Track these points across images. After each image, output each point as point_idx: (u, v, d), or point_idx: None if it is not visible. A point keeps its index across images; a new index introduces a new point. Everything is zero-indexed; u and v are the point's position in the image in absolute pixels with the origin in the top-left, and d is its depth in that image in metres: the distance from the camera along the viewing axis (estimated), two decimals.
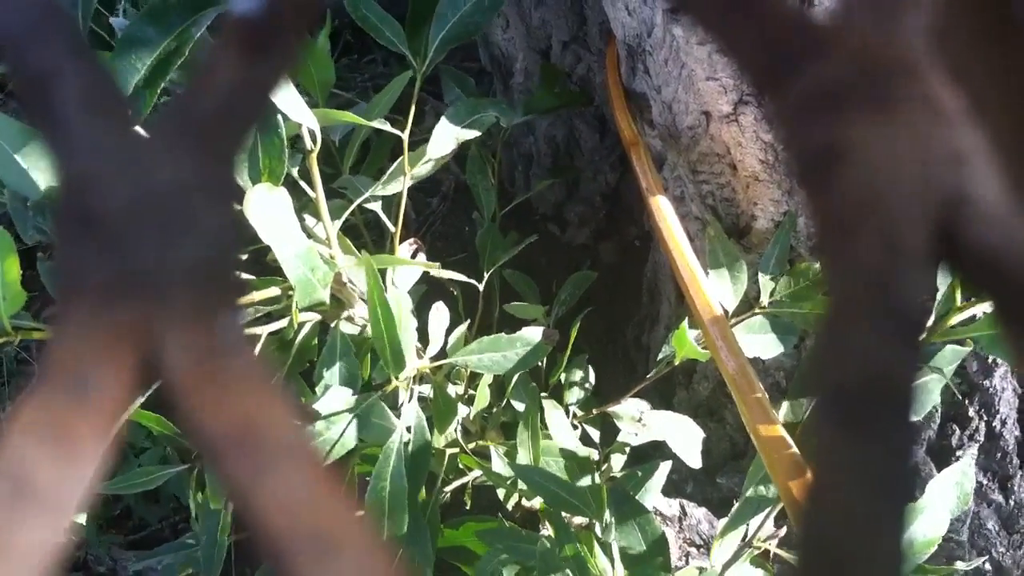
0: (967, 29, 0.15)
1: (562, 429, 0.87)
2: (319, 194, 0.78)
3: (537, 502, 0.99)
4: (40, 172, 0.63)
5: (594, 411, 0.99)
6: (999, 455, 0.93)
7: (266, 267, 0.87)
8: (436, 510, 0.84)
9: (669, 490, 1.06)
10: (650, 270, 1.21)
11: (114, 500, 1.28)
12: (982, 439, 0.93)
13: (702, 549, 0.98)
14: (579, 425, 1.00)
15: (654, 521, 0.77)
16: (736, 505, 0.76)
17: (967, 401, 0.91)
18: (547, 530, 0.95)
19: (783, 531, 0.80)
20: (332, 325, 0.82)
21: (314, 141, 0.73)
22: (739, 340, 0.75)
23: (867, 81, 0.14)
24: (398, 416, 0.78)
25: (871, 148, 0.14)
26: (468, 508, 0.98)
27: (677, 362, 0.82)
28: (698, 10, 0.15)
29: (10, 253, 0.58)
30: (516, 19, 1.16)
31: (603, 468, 0.99)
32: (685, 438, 0.91)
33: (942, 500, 0.71)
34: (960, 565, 0.78)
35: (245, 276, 0.82)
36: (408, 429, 0.78)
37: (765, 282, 0.79)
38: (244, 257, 0.89)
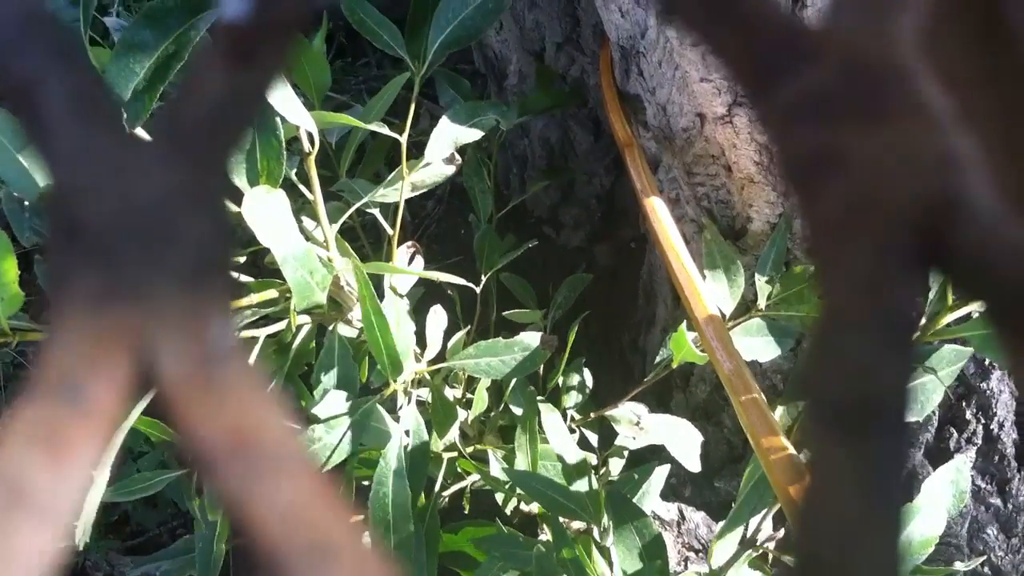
0: (957, 32, 0.15)
1: (559, 433, 0.87)
2: (317, 196, 0.78)
3: (535, 506, 0.99)
4: (39, 173, 0.63)
5: (592, 415, 0.99)
6: (997, 458, 0.93)
7: (264, 269, 0.87)
8: (436, 516, 0.84)
9: (667, 494, 1.06)
10: (646, 272, 1.21)
11: (112, 505, 1.28)
12: (980, 442, 0.93)
13: (700, 553, 0.98)
14: (577, 429, 1.00)
15: (652, 525, 0.76)
16: (734, 507, 0.76)
17: (964, 404, 0.91)
18: (546, 535, 0.95)
19: (781, 533, 0.80)
20: (330, 328, 0.82)
21: (312, 143, 0.73)
22: (736, 343, 0.75)
23: (857, 86, 0.14)
24: (396, 420, 0.78)
25: (861, 153, 0.14)
26: (466, 513, 0.98)
27: (674, 365, 0.82)
28: (687, 15, 0.15)
29: (8, 255, 0.58)
30: (510, 21, 1.16)
31: (601, 472, 0.99)
32: (684, 442, 0.91)
33: (938, 499, 0.71)
34: (959, 565, 0.78)
35: (243, 278, 0.82)
36: (407, 433, 0.78)
37: (761, 285, 0.79)
38: (242, 259, 0.89)
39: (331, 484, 0.13)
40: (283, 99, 0.66)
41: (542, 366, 0.86)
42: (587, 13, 1.07)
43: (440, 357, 0.86)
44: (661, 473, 0.88)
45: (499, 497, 0.97)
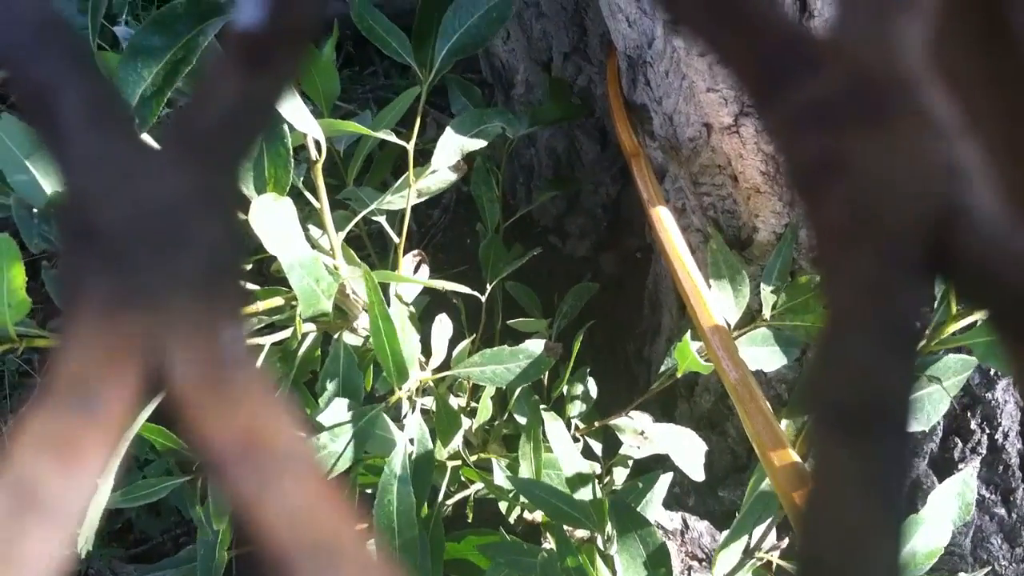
0: (963, 40, 0.15)
1: (563, 442, 0.87)
2: (323, 204, 0.78)
3: (539, 515, 0.99)
4: (48, 179, 0.63)
5: (596, 424, 0.99)
6: (1001, 468, 0.93)
7: (270, 277, 0.87)
8: (440, 524, 0.84)
9: (671, 503, 1.06)
10: (651, 282, 1.21)
11: (116, 513, 1.28)
12: (984, 452, 0.92)
13: (704, 562, 0.98)
14: (581, 438, 1.00)
15: (656, 534, 0.76)
16: (738, 517, 0.76)
17: (969, 414, 0.91)
18: (549, 543, 0.95)
19: (785, 542, 0.80)
20: (335, 336, 0.82)
21: (319, 152, 0.73)
22: (741, 352, 0.75)
23: (862, 94, 0.14)
24: (401, 428, 0.78)
25: (866, 161, 0.14)
26: (470, 521, 0.98)
27: (679, 375, 0.82)
28: (694, 24, 0.15)
29: (15, 261, 0.58)
30: (517, 31, 1.17)
31: (605, 481, 0.99)
32: (688, 451, 0.91)
33: (944, 511, 0.71)
34: (962, 575, 0.78)
35: (249, 286, 0.82)
36: (411, 441, 0.78)
37: (767, 294, 0.79)
38: (248, 267, 0.89)
39: (339, 488, 0.13)
40: (291, 107, 0.67)
41: (547, 375, 0.86)
42: (594, 23, 1.07)
43: (445, 365, 0.86)
44: (664, 482, 0.88)
45: (503, 506, 0.97)
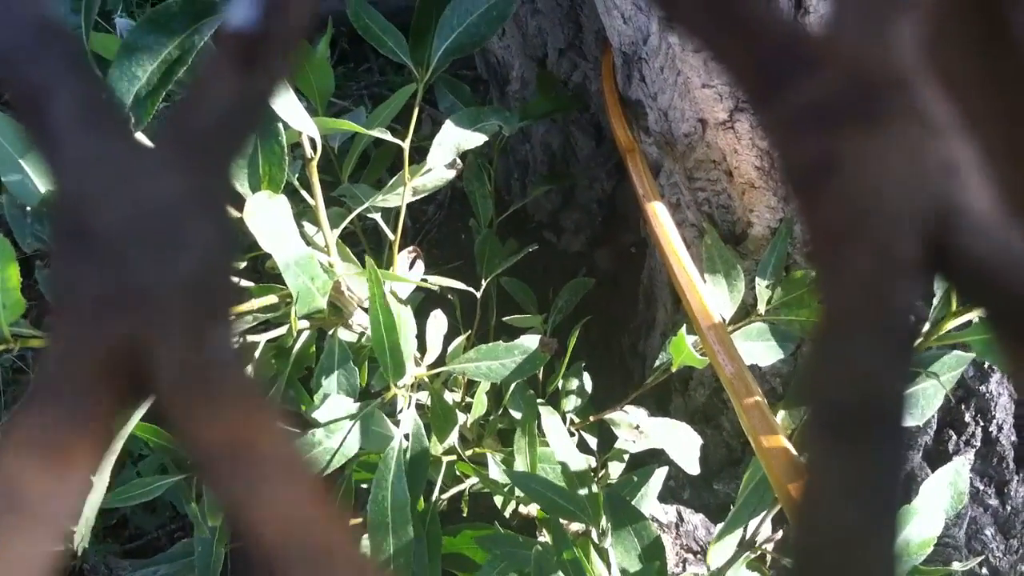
0: (959, 37, 0.15)
1: (559, 436, 0.87)
2: (319, 202, 0.78)
3: (534, 509, 0.99)
4: (41, 178, 0.63)
5: (591, 418, 0.99)
6: (995, 460, 0.93)
7: (265, 274, 0.87)
8: (436, 519, 0.84)
9: (666, 496, 1.06)
10: (646, 277, 1.21)
11: (111, 509, 1.28)
12: (979, 444, 0.93)
13: (699, 555, 0.98)
14: (576, 432, 1.00)
15: (651, 527, 0.77)
16: (733, 509, 0.76)
17: (964, 407, 0.91)
18: (544, 537, 0.95)
19: (780, 535, 0.80)
20: (330, 333, 0.82)
21: (314, 149, 0.73)
22: (736, 347, 0.75)
23: (858, 94, 0.14)
24: (396, 424, 0.78)
25: (862, 160, 0.14)
26: (465, 515, 0.98)
27: (674, 369, 0.82)
28: (689, 23, 0.15)
29: (10, 261, 0.58)
30: (512, 27, 1.16)
31: (600, 475, 0.99)
32: (683, 445, 0.91)
33: (936, 500, 0.71)
34: (956, 566, 0.78)
35: (244, 283, 0.82)
36: (406, 437, 0.78)
37: (762, 289, 0.79)
38: (243, 264, 0.89)
39: (329, 489, 0.13)
40: (286, 105, 0.66)
41: (542, 370, 0.86)
42: (589, 19, 1.07)
43: (440, 361, 0.86)
44: (659, 476, 0.88)
45: (498, 500, 0.97)
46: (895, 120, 0.14)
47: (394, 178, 0.87)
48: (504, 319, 1.07)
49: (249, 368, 0.14)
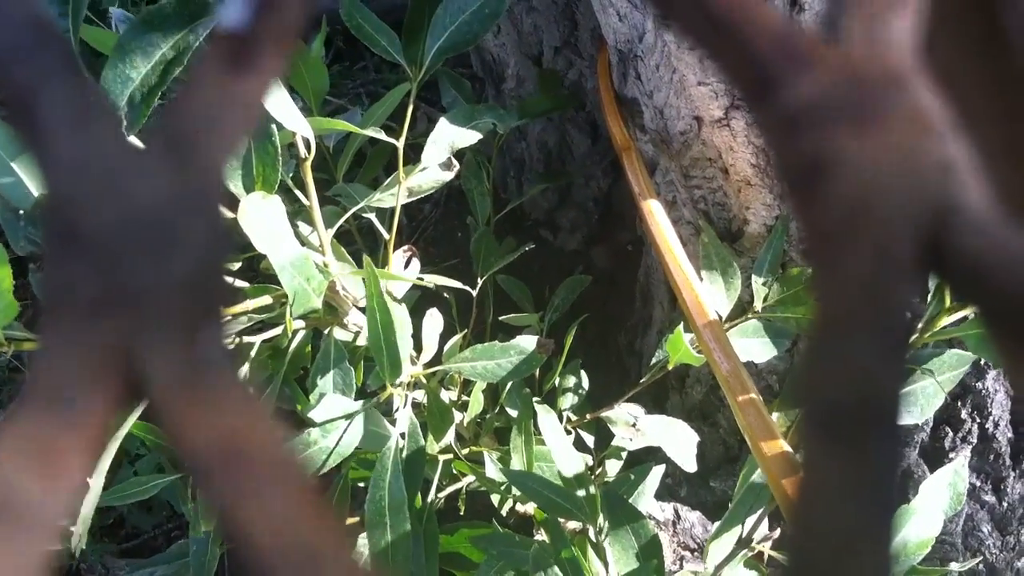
0: (956, 39, 0.15)
1: (555, 434, 0.87)
2: (313, 202, 0.78)
3: (531, 507, 0.99)
4: (34, 180, 0.63)
5: (588, 416, 0.99)
6: (992, 457, 0.93)
7: (260, 274, 0.87)
8: (433, 517, 0.84)
9: (663, 494, 1.06)
10: (643, 275, 1.21)
11: (107, 508, 1.28)
12: (975, 441, 0.93)
13: (696, 553, 0.98)
14: (573, 430, 1.00)
15: (648, 525, 0.77)
16: (730, 507, 0.76)
17: (960, 403, 0.91)
18: (541, 535, 0.95)
19: (777, 533, 0.80)
20: (326, 332, 0.82)
21: (308, 149, 0.73)
22: (733, 344, 0.75)
23: (854, 92, 0.14)
24: (392, 423, 0.78)
25: (858, 160, 0.14)
26: (462, 514, 0.98)
27: (671, 367, 0.82)
28: (685, 22, 0.15)
29: (3, 264, 0.57)
30: (508, 25, 1.16)
31: (597, 473, 0.99)
32: (680, 442, 0.91)
33: (935, 501, 0.71)
34: (954, 566, 0.78)
35: (239, 284, 0.81)
36: (403, 436, 0.78)
37: (758, 286, 0.79)
38: (238, 265, 0.89)
39: (322, 492, 0.13)
40: (279, 104, 0.66)
41: (538, 368, 0.86)
42: (585, 17, 1.07)
43: (436, 360, 0.86)
44: (656, 473, 0.88)
45: (495, 498, 0.97)
46: (891, 119, 0.14)
47: (389, 177, 0.86)
48: (501, 318, 1.07)
49: (242, 369, 0.14)
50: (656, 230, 0.83)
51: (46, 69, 0.15)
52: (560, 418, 0.97)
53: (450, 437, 0.88)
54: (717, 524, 0.77)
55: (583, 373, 1.04)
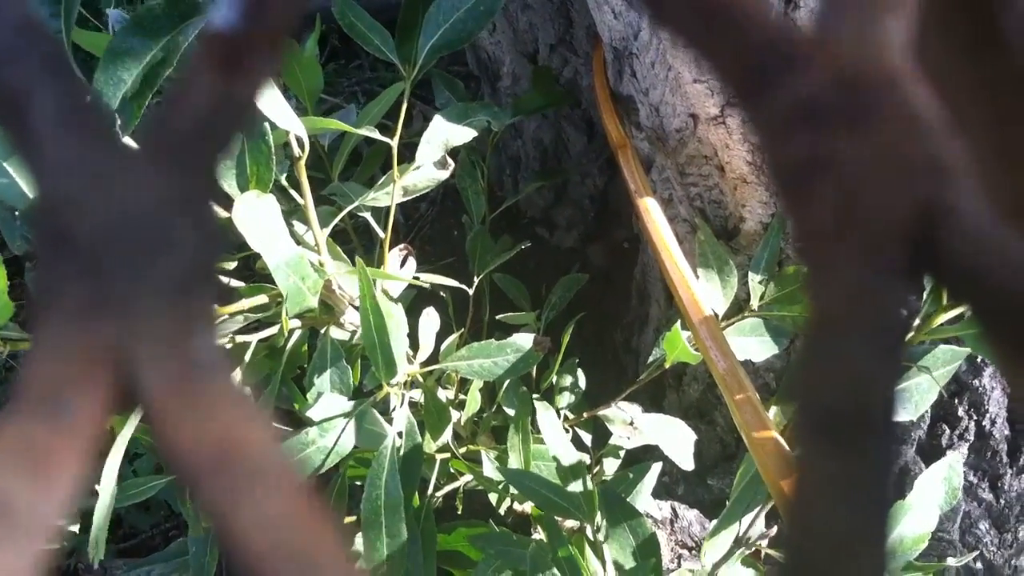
0: (949, 40, 0.15)
1: (555, 432, 0.87)
2: (308, 201, 0.77)
3: (529, 506, 0.99)
4: (29, 182, 0.62)
5: (585, 415, 0.99)
6: (989, 454, 0.93)
7: (255, 274, 0.87)
8: (431, 516, 0.84)
9: (660, 492, 1.06)
10: (639, 273, 1.21)
11: None
12: (972, 438, 0.93)
13: (693, 551, 0.98)
14: (571, 429, 1.00)
15: (646, 524, 0.77)
16: (727, 506, 0.76)
17: (957, 401, 0.91)
18: (539, 534, 0.95)
19: (774, 531, 0.80)
20: (322, 331, 0.82)
21: (302, 148, 0.73)
22: (730, 342, 0.75)
23: (847, 92, 0.14)
24: (389, 422, 0.78)
25: (851, 160, 0.14)
26: (460, 513, 0.98)
27: (667, 365, 0.82)
28: (676, 24, 0.15)
29: None
30: (503, 23, 1.16)
31: (595, 471, 0.99)
32: (677, 440, 0.91)
33: (930, 496, 0.71)
34: (951, 561, 0.78)
35: (234, 283, 0.81)
36: (400, 435, 0.78)
37: (755, 284, 0.79)
38: (233, 264, 0.89)
39: (319, 492, 0.13)
40: (273, 104, 0.66)
41: (535, 366, 0.86)
42: (580, 15, 1.07)
43: (433, 359, 0.86)
44: (654, 472, 0.88)
45: (492, 497, 0.97)
46: (884, 119, 0.14)
47: (384, 176, 0.86)
48: (497, 316, 1.07)
49: (236, 371, 0.14)
50: (652, 228, 0.83)
51: (37, 71, 0.15)
52: (557, 416, 0.97)
53: (447, 436, 0.88)
54: (714, 522, 0.77)
55: (580, 372, 1.04)
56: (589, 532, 0.80)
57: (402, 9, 0.82)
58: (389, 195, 0.86)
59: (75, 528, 0.76)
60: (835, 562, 0.12)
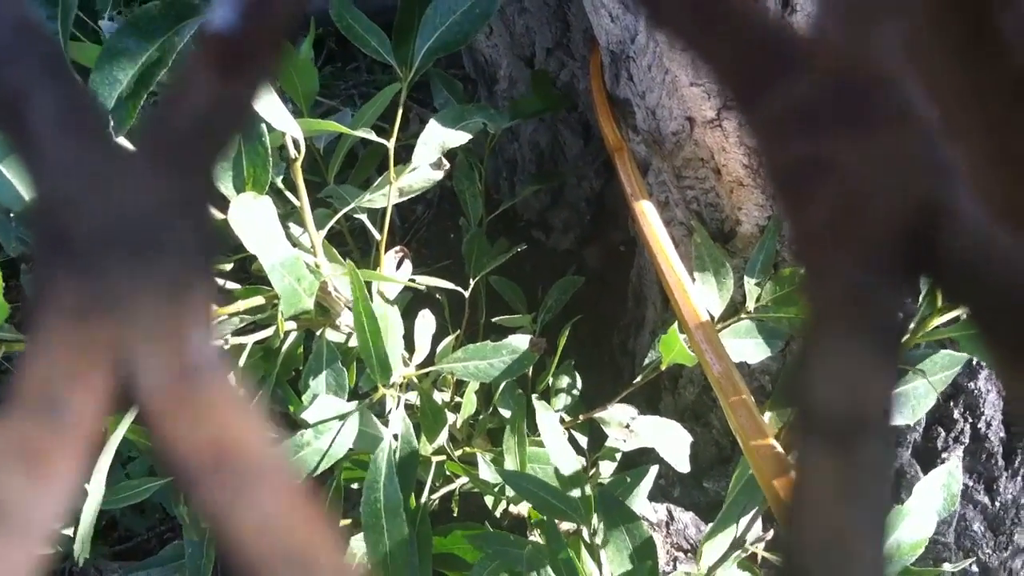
0: (946, 42, 0.15)
1: (554, 433, 0.87)
2: (304, 203, 0.77)
3: (524, 509, 0.99)
4: (26, 183, 0.62)
5: (581, 417, 0.99)
6: (984, 457, 0.93)
7: (251, 275, 0.87)
8: (427, 519, 0.84)
9: (656, 495, 1.06)
10: (635, 275, 1.21)
11: (100, 511, 1.27)
12: (967, 441, 0.93)
13: (689, 554, 0.98)
14: (567, 431, 1.00)
15: (643, 527, 0.76)
16: (723, 508, 0.76)
17: (952, 403, 0.91)
18: (535, 536, 0.95)
19: (770, 534, 0.80)
20: (318, 333, 0.81)
21: (298, 150, 0.73)
22: (725, 344, 0.75)
23: (844, 95, 0.14)
24: (385, 424, 0.78)
25: (847, 162, 0.14)
26: (455, 515, 0.98)
27: (664, 367, 0.82)
28: (673, 25, 0.15)
29: None
30: (500, 26, 1.16)
31: (591, 474, 0.99)
32: (673, 443, 0.91)
33: (929, 502, 0.71)
34: (947, 567, 0.78)
35: (230, 285, 0.81)
36: (396, 437, 0.78)
37: (751, 287, 0.79)
38: (229, 266, 0.89)
39: (312, 495, 0.13)
40: (269, 106, 0.66)
41: (531, 368, 0.86)
42: (577, 18, 1.07)
43: (429, 361, 0.86)
44: (650, 475, 0.88)
45: (488, 500, 0.97)
46: (881, 121, 0.14)
47: (380, 178, 0.86)
48: (493, 319, 1.07)
49: (231, 373, 0.14)
50: (648, 231, 0.83)
51: (36, 72, 0.15)
52: None
53: (443, 438, 0.88)
54: (711, 525, 0.77)
55: (576, 374, 1.04)
56: (585, 535, 0.80)
57: (399, 11, 0.82)
58: (385, 197, 0.86)
59: (70, 531, 0.75)
60: (831, 565, 0.13)
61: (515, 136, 1.31)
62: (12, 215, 0.65)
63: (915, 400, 0.71)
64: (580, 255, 1.40)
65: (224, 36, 0.16)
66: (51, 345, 0.13)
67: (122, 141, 0.58)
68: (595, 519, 0.78)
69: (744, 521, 0.76)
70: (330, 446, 0.74)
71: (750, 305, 0.80)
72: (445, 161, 0.88)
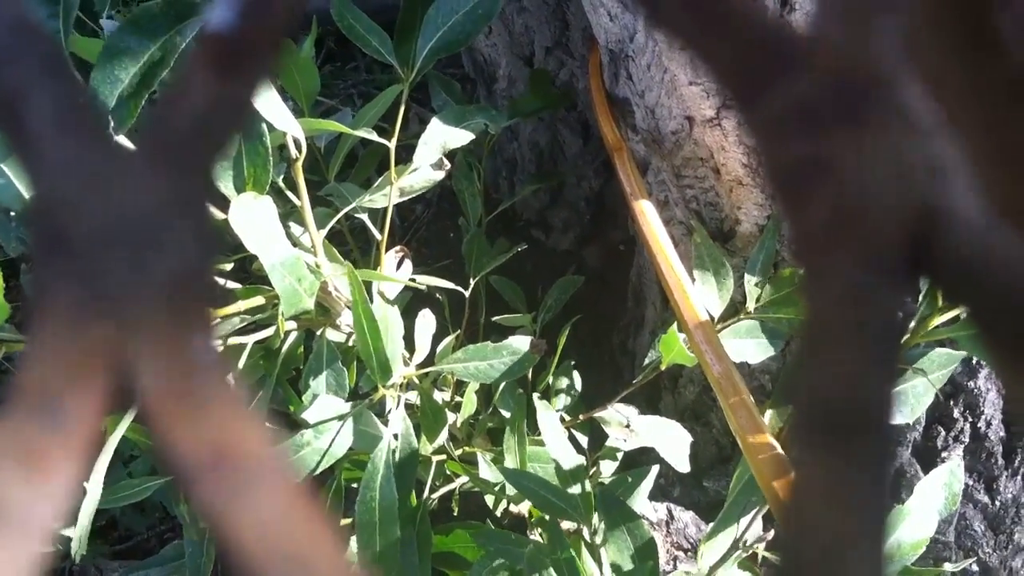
0: (944, 41, 0.15)
1: (554, 431, 0.87)
2: (304, 202, 0.77)
3: (524, 508, 0.99)
4: (25, 183, 0.62)
5: (581, 417, 0.99)
6: (984, 456, 0.93)
7: (251, 275, 0.87)
8: (427, 518, 0.84)
9: (656, 494, 1.06)
10: (635, 275, 1.21)
11: (100, 510, 1.27)
12: (967, 440, 0.93)
13: (689, 553, 0.98)
14: (567, 431, 1.00)
15: (644, 527, 0.76)
16: (724, 508, 0.76)
17: (952, 402, 0.91)
18: (535, 536, 0.95)
19: (771, 534, 0.80)
20: (318, 333, 0.81)
21: (299, 149, 0.73)
22: (725, 344, 0.75)
23: (843, 94, 0.14)
24: (385, 424, 0.78)
25: (846, 162, 0.14)
26: (455, 515, 0.98)
27: (664, 367, 0.82)
28: (672, 24, 0.15)
29: None
30: (499, 26, 1.16)
31: (591, 473, 0.99)
32: (673, 443, 0.91)
33: (930, 501, 0.71)
34: (947, 567, 0.78)
35: (231, 285, 0.81)
36: (395, 437, 0.78)
37: (751, 286, 0.79)
38: (229, 266, 0.89)
39: (311, 496, 0.13)
40: (270, 105, 0.66)
41: (531, 368, 0.86)
42: (576, 17, 1.07)
43: (429, 361, 0.86)
44: (651, 474, 0.88)
45: (489, 499, 0.97)
46: (880, 121, 0.14)
47: (381, 178, 0.86)
48: (493, 318, 1.07)
49: (231, 373, 0.14)
50: (648, 230, 0.83)
51: (35, 71, 0.15)
52: None
53: (443, 438, 0.88)
54: (711, 525, 0.77)
55: (576, 374, 1.04)
56: (586, 534, 0.80)
57: (401, 11, 0.82)
58: (386, 197, 0.86)
59: (70, 532, 0.75)
60: (831, 565, 0.12)
61: (514, 135, 1.31)
62: (12, 215, 0.65)
63: (914, 399, 0.71)
64: (580, 255, 1.40)
65: (223, 35, 0.15)
66: (51, 346, 0.13)
67: (123, 140, 0.58)
68: (596, 518, 0.78)
69: (744, 521, 0.76)
70: (330, 446, 0.74)
71: (750, 305, 0.80)
72: (446, 161, 0.88)
